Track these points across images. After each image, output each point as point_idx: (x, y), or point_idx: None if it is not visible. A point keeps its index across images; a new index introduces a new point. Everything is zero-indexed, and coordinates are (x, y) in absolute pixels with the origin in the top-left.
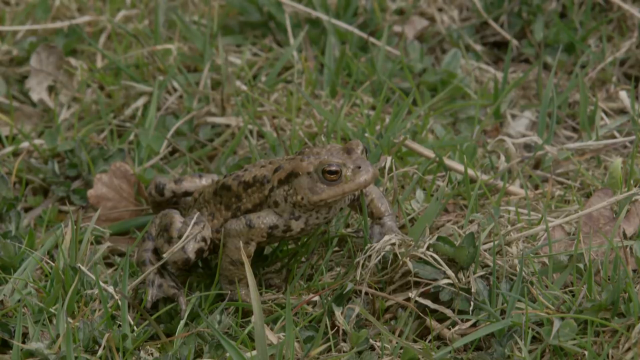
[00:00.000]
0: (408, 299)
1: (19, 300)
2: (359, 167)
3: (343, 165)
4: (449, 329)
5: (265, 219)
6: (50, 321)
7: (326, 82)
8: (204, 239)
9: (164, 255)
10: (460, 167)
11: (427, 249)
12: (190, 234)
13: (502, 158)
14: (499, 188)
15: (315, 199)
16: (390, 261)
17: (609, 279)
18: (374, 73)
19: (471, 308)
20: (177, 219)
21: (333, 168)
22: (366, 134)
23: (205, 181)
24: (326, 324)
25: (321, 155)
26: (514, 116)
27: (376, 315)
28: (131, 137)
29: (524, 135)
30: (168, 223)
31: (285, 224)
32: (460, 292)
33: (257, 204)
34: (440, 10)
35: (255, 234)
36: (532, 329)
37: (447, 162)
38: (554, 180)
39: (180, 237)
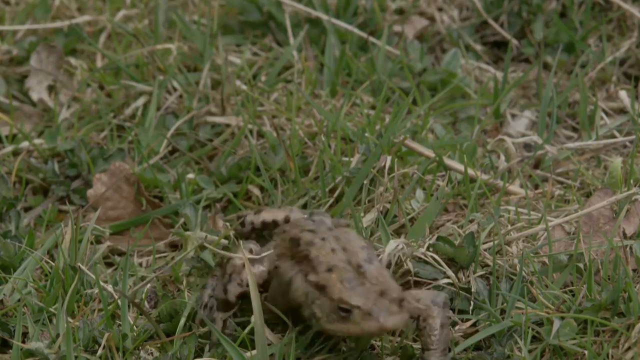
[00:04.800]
0: None
1: (18, 300)
2: (370, 314)
3: (357, 308)
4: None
5: None
6: (50, 321)
7: (326, 82)
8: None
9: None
10: (460, 167)
11: (427, 248)
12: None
13: (502, 158)
14: (499, 188)
15: (327, 327)
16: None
17: (608, 279)
18: (374, 73)
19: (471, 308)
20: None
21: (344, 306)
22: (366, 134)
23: (288, 214)
24: None
25: (362, 286)
26: (513, 116)
27: None
28: (131, 137)
29: (524, 135)
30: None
31: None
32: (460, 291)
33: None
34: (440, 9)
35: None
36: (532, 329)
37: (447, 161)
38: (553, 179)
39: (230, 274)
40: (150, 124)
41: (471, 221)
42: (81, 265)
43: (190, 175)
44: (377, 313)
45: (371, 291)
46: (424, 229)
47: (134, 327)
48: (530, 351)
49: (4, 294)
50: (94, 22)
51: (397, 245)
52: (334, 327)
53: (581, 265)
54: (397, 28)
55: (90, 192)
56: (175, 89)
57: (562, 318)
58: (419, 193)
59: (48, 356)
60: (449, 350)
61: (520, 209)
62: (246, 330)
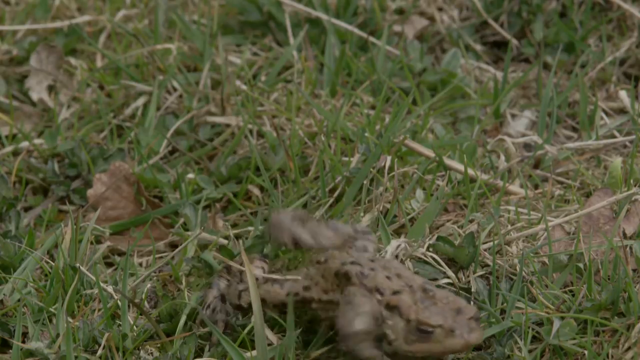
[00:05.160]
0: None
1: (18, 300)
2: (452, 331)
3: (439, 327)
4: None
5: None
6: (50, 321)
7: (326, 82)
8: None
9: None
10: (460, 167)
11: (427, 249)
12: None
13: (502, 158)
14: (498, 188)
15: (405, 348)
16: None
17: (608, 279)
18: (373, 73)
19: None
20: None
21: (426, 328)
22: (366, 134)
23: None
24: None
25: (436, 306)
26: (513, 116)
27: None
28: (131, 137)
29: (524, 135)
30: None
31: None
32: (460, 291)
33: None
34: (440, 9)
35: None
36: (532, 329)
37: (447, 161)
38: (553, 179)
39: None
40: (150, 124)
41: (471, 221)
42: (81, 266)
43: (190, 175)
44: (460, 330)
45: (447, 309)
46: (424, 229)
47: (134, 327)
48: (530, 351)
49: (4, 294)
50: (94, 22)
51: (400, 245)
52: (413, 348)
53: (581, 265)
54: (397, 28)
55: (90, 192)
56: (175, 89)
57: (562, 318)
58: (419, 193)
59: (48, 356)
60: None
61: (520, 209)
62: (246, 330)
